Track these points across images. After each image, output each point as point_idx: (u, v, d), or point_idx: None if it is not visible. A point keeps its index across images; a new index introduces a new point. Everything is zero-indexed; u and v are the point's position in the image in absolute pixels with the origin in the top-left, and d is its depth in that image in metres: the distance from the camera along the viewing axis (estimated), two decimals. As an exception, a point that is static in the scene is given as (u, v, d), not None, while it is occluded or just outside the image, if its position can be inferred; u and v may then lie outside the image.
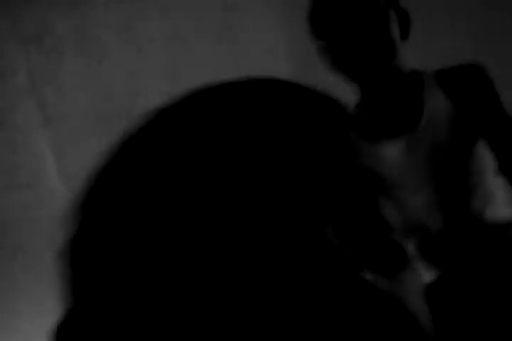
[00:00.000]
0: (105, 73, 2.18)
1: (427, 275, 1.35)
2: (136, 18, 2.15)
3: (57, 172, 2.32)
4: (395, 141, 1.42)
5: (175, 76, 2.20)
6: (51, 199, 2.35)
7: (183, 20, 2.16)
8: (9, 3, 2.09)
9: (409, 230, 1.34)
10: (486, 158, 1.40)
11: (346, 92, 1.71)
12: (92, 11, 2.11)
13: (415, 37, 1.61)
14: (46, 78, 2.17)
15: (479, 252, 1.33)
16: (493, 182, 1.39)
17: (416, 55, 1.61)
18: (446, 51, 2.27)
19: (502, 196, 1.38)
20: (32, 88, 2.17)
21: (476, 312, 1.31)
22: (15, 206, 2.36)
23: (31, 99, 2.19)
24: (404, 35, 1.50)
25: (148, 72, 2.20)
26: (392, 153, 1.41)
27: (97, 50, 2.16)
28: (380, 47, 1.44)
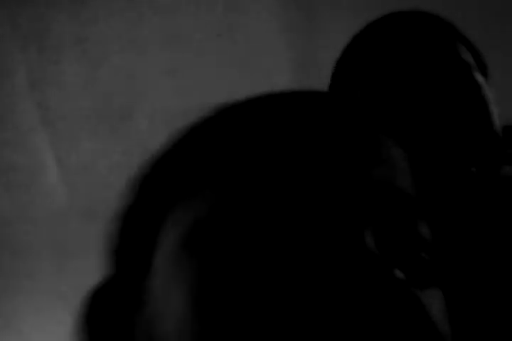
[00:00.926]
0: (105, 73, 2.18)
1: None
2: (136, 18, 2.14)
3: (57, 172, 2.32)
4: None
5: (175, 76, 2.20)
6: (51, 199, 2.35)
7: (183, 20, 2.15)
8: (9, 2, 2.09)
9: None
10: None
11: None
12: (92, 11, 2.11)
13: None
14: (46, 78, 2.16)
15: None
16: None
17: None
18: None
19: None
20: (32, 88, 2.17)
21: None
22: (14, 206, 2.36)
23: (31, 99, 2.19)
24: None
25: (148, 72, 2.20)
26: None
27: (97, 50, 2.16)
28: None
